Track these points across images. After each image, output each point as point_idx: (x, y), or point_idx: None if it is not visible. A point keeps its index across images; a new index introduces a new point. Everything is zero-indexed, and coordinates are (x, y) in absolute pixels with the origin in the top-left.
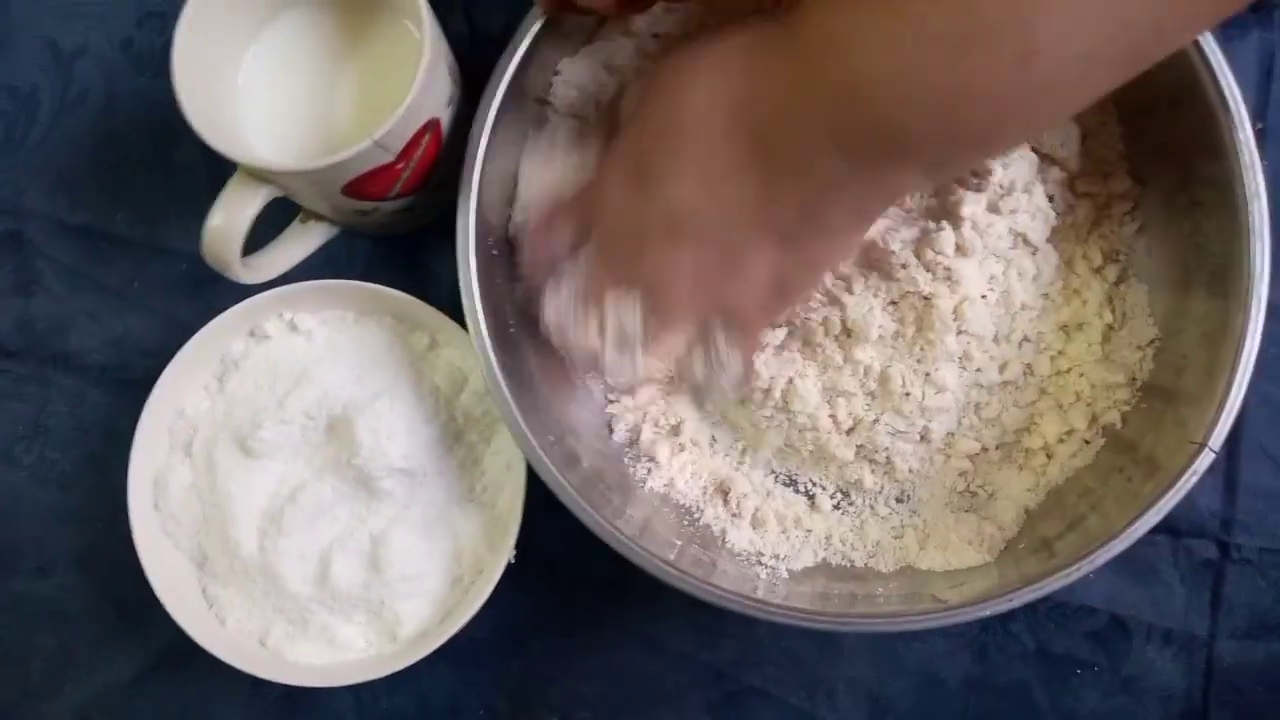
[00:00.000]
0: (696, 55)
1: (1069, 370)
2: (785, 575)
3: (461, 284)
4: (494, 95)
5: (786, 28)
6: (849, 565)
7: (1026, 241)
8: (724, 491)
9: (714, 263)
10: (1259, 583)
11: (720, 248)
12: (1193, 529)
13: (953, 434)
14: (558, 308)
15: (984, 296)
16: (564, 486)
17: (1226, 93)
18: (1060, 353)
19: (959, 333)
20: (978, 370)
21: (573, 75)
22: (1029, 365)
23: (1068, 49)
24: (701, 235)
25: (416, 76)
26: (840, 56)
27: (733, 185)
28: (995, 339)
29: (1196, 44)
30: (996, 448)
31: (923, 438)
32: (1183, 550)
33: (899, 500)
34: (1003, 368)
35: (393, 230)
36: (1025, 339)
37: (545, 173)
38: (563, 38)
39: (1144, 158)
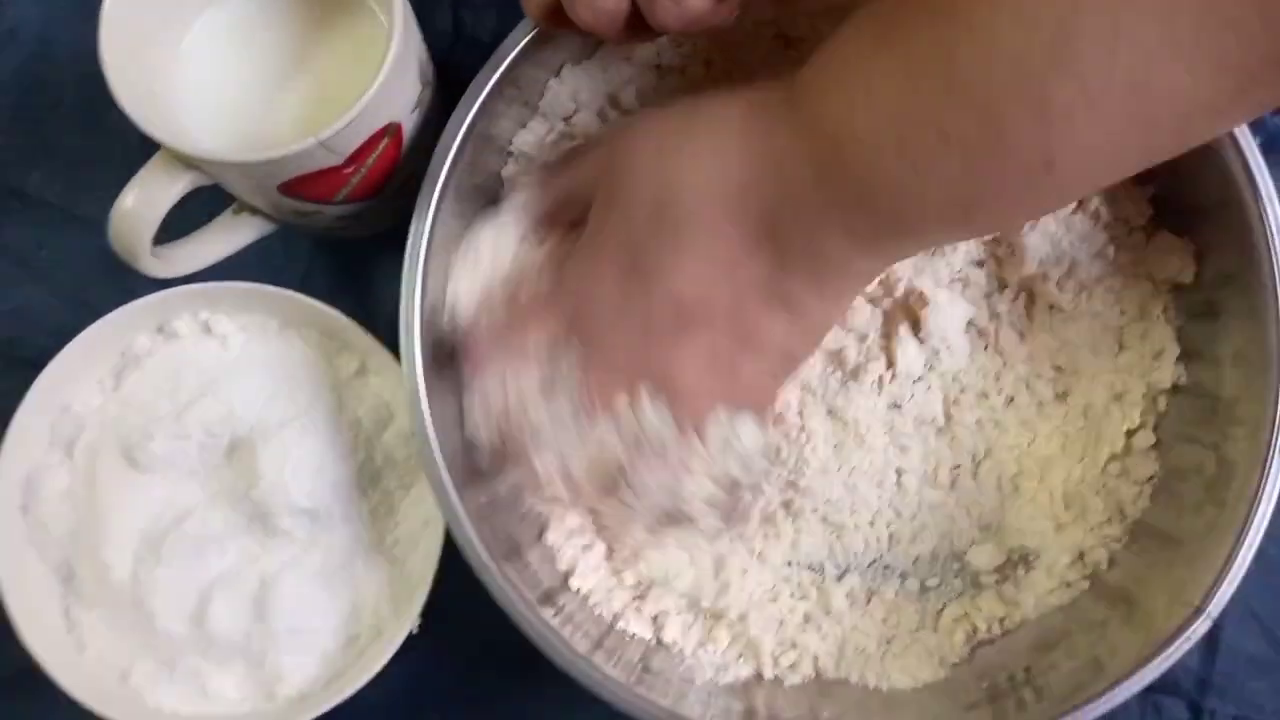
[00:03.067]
0: (682, 130)
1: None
2: (724, 684)
3: (403, 307)
4: (471, 105)
5: (791, 107)
6: (792, 677)
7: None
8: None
9: (726, 347)
10: None
11: (732, 333)
12: (1165, 685)
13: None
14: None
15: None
16: (486, 565)
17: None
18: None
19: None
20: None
21: (573, 83)
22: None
23: (1090, 155)
24: (713, 322)
25: (378, 76)
26: (856, 152)
27: (743, 270)
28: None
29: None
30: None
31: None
32: (1151, 707)
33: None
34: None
35: (339, 234)
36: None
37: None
38: (559, 49)
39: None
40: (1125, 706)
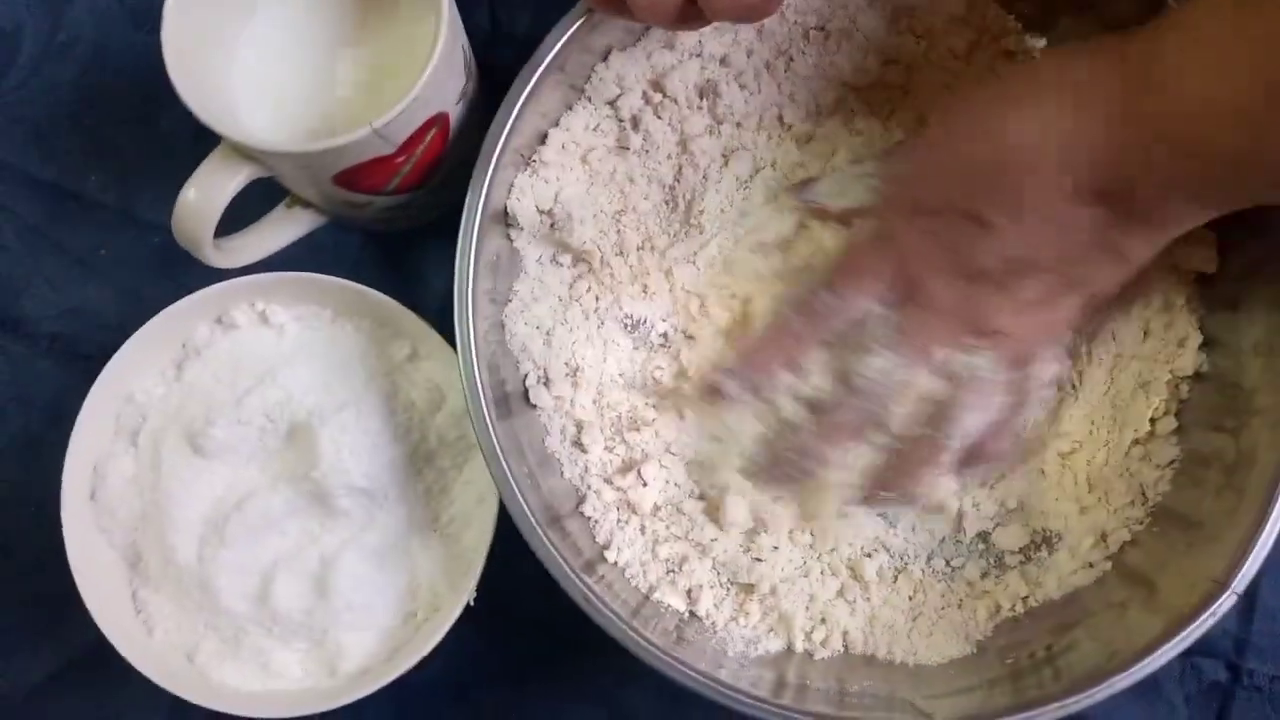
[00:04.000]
0: (1021, 93)
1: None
2: (755, 656)
3: (456, 292)
4: (525, 83)
5: (1140, 75)
6: (822, 651)
7: None
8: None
9: (1048, 293)
10: (1268, 713)
11: (1057, 280)
12: (1203, 646)
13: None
14: None
15: None
16: (534, 528)
17: None
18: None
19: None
20: None
21: (619, 68)
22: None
23: None
24: (1039, 272)
25: (429, 65)
26: (1212, 126)
27: (1076, 224)
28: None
29: None
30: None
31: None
32: (1190, 669)
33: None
34: None
35: (386, 227)
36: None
37: None
38: (605, 35)
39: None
40: (1166, 668)
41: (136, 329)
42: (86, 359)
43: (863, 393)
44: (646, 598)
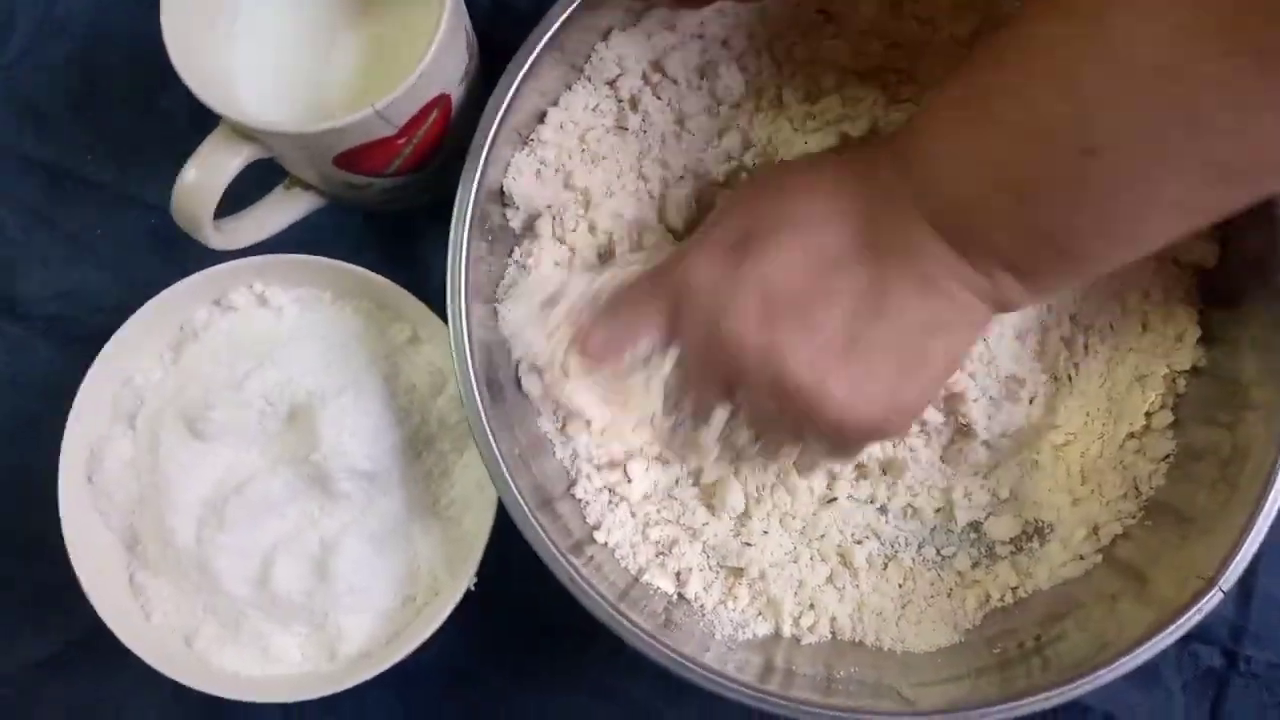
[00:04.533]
0: (798, 170)
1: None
2: (743, 640)
3: (450, 274)
4: (524, 61)
5: (898, 170)
6: (810, 636)
7: None
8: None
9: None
10: (1264, 699)
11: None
12: (1201, 633)
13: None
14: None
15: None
16: (522, 508)
17: None
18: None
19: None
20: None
21: (619, 48)
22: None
23: (1132, 149)
24: (810, 311)
25: (431, 45)
26: (923, 157)
27: (845, 275)
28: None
29: None
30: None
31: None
32: (1188, 655)
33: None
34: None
35: (386, 208)
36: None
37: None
38: (605, 15)
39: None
40: (1162, 655)
41: (133, 310)
42: (83, 340)
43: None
44: (636, 579)
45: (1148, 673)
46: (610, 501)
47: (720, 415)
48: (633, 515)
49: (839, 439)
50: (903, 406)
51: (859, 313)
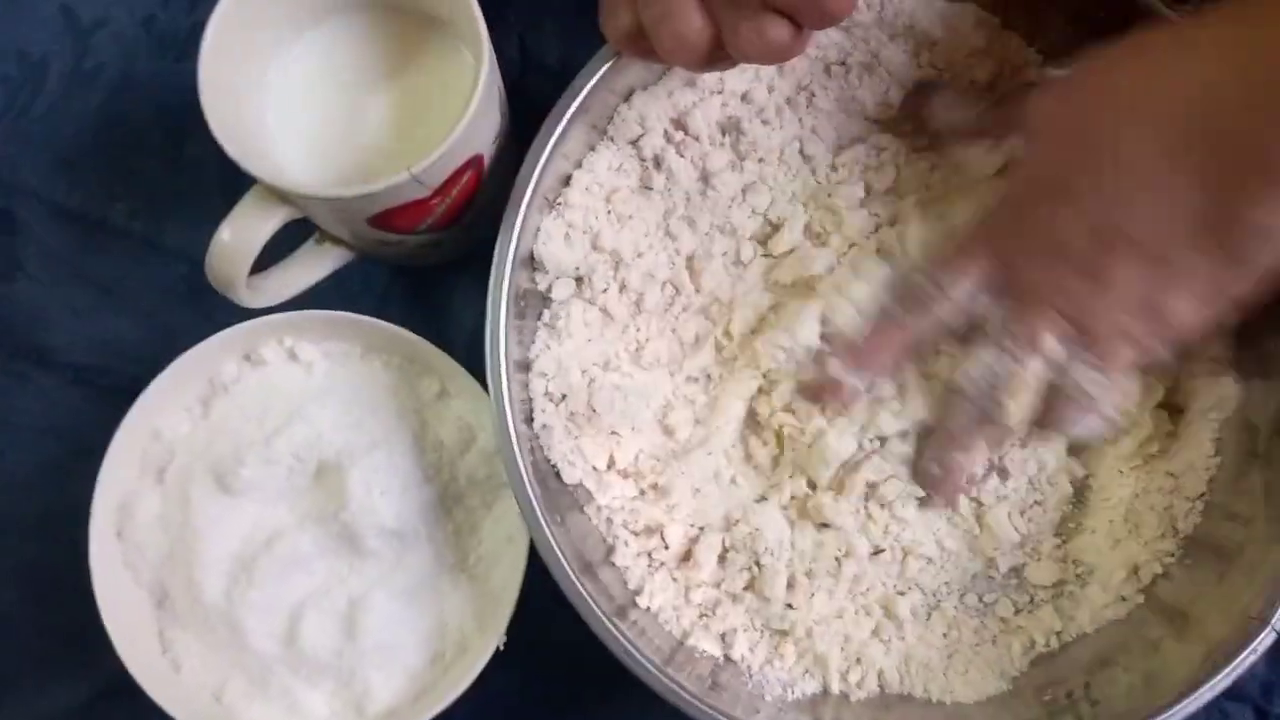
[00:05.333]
0: (1089, 70)
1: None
2: (791, 700)
3: (488, 331)
4: (554, 129)
5: (1248, 29)
6: (858, 692)
7: None
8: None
9: (1151, 280)
10: None
11: (1159, 266)
12: (1231, 690)
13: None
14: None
15: None
16: (568, 575)
17: None
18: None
19: None
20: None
21: (641, 107)
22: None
23: None
24: (1140, 255)
25: (468, 110)
26: None
27: (1183, 201)
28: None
29: None
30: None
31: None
32: (1218, 712)
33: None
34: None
35: (415, 263)
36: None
37: None
38: (627, 74)
39: None
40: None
41: (162, 360)
42: (112, 390)
43: (971, 393)
44: (680, 643)
45: None
46: (650, 566)
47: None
48: (673, 580)
49: None
50: None
51: None
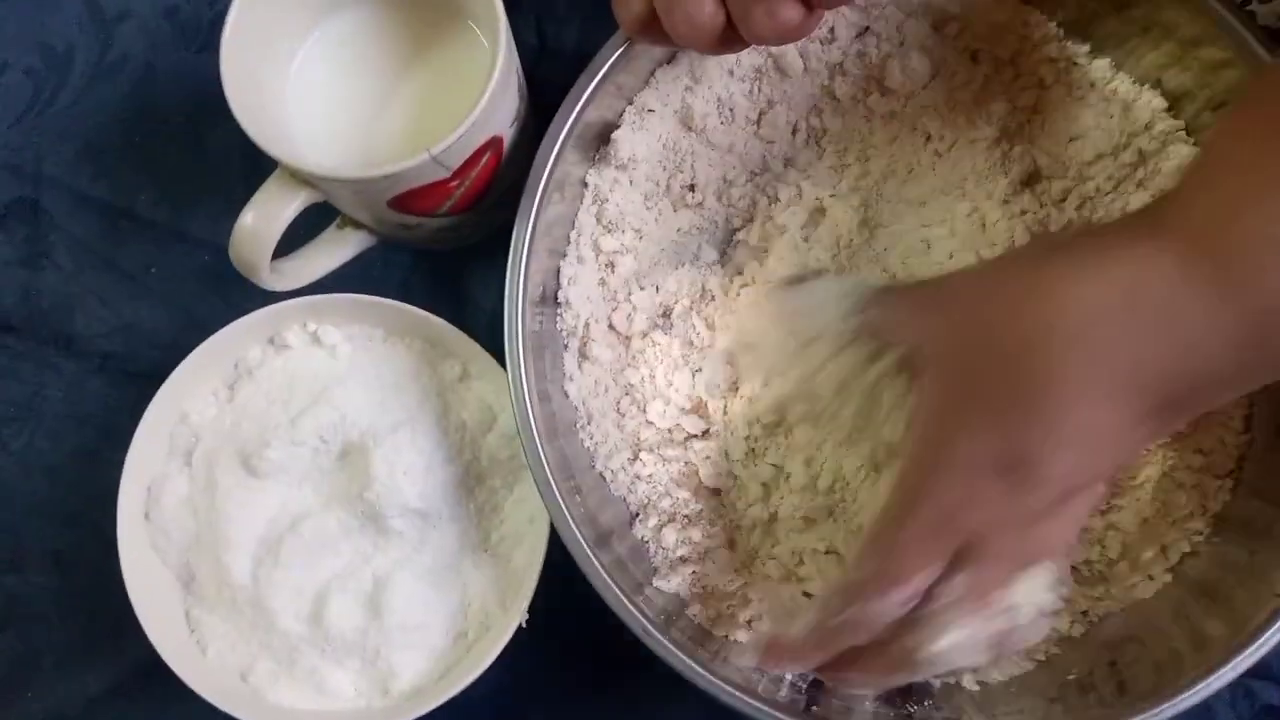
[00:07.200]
0: (1034, 282)
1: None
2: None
3: (506, 314)
4: (568, 116)
5: (1205, 271)
6: None
7: None
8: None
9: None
10: None
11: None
12: (1256, 668)
13: None
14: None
15: None
16: (585, 550)
17: None
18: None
19: None
20: None
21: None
22: None
23: None
24: (1086, 492)
25: (486, 91)
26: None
27: (1125, 444)
28: None
29: None
30: None
31: None
32: (1242, 691)
33: None
34: None
35: (436, 246)
36: None
37: None
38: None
39: None
40: (1217, 691)
41: (187, 346)
42: (138, 376)
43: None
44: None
45: (1201, 710)
46: (675, 552)
47: None
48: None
49: None
50: None
51: None
